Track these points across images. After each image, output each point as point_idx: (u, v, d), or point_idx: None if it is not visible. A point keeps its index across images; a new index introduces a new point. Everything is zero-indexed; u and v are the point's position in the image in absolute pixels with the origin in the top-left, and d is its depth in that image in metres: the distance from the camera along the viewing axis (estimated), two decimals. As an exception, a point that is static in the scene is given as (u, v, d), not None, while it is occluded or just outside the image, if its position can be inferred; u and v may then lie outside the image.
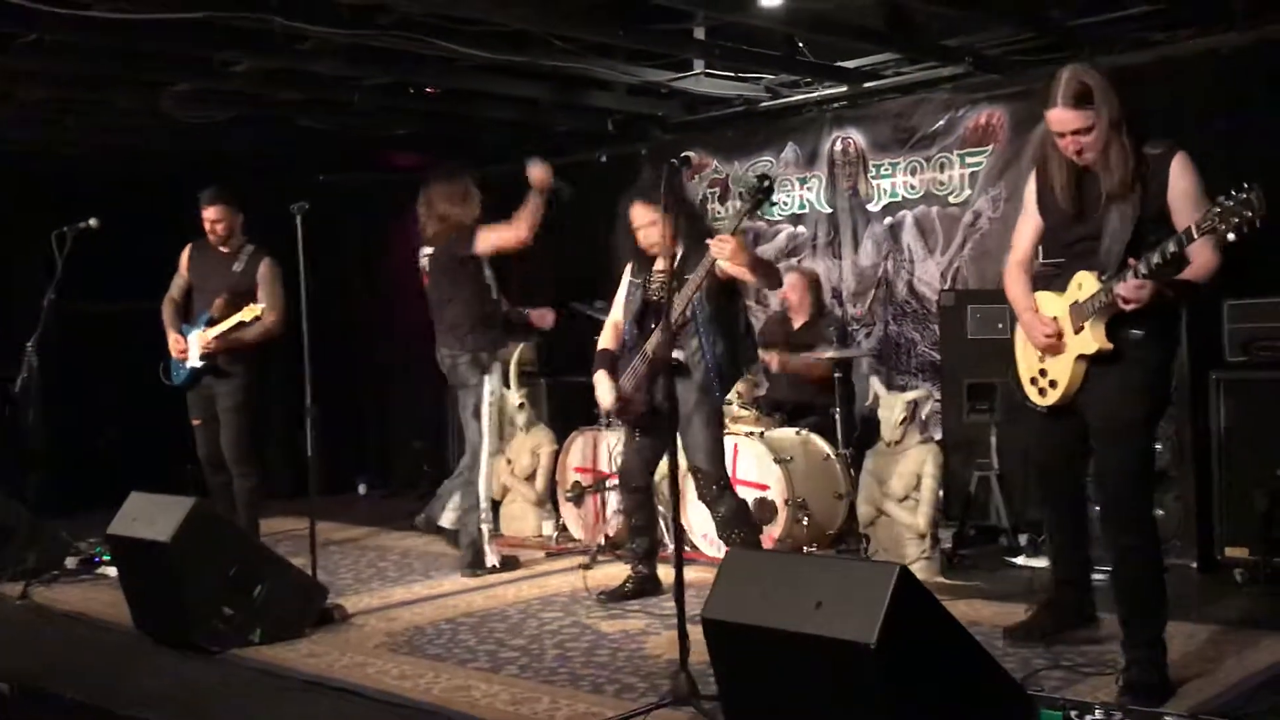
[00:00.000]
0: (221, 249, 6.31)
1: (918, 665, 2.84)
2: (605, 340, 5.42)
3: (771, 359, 6.84)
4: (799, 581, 2.97)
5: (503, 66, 6.67)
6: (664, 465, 5.66)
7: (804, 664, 2.90)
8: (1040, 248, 4.21)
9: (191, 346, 6.19)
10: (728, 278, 5.02)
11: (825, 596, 2.87)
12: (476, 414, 6.02)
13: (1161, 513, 5.46)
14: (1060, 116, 3.74)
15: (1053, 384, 4.00)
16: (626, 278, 5.37)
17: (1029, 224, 4.15)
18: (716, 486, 5.14)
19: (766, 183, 4.70)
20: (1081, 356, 3.86)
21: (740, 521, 5.18)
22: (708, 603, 3.17)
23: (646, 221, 5.12)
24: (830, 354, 6.44)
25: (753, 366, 6.37)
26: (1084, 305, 3.81)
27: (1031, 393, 4.11)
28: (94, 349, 7.84)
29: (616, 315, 5.41)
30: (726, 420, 6.41)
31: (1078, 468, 4.20)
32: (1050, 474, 4.27)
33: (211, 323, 6.13)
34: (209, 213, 6.25)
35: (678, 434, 4.99)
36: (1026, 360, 4.13)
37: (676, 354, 4.98)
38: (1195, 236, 3.51)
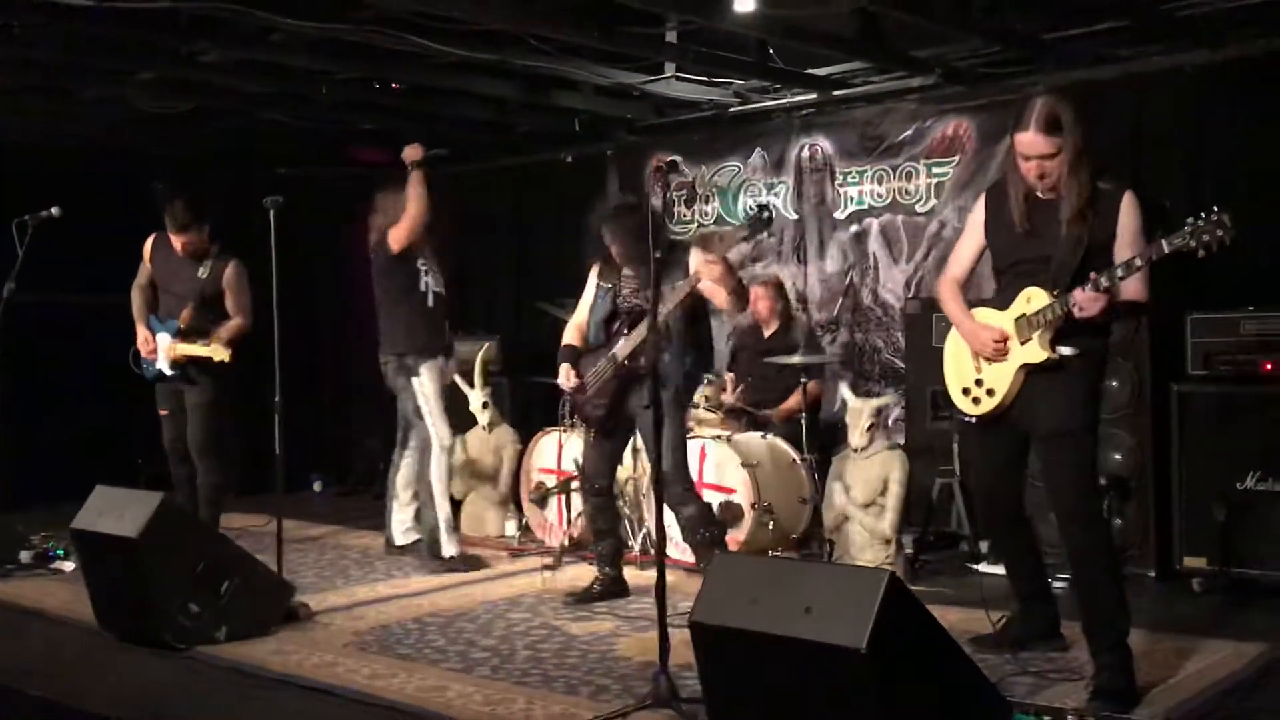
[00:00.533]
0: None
1: (906, 670, 2.87)
2: (569, 338, 5.43)
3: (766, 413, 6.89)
4: (788, 586, 2.99)
5: (473, 64, 6.65)
6: (623, 469, 5.74)
7: (793, 668, 2.91)
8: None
9: (160, 351, 6.14)
10: (700, 295, 5.08)
11: (814, 601, 2.90)
12: (418, 414, 6.07)
13: (1120, 522, 5.57)
14: (1031, 140, 3.88)
15: (989, 392, 4.10)
16: (594, 280, 5.38)
17: (971, 244, 4.31)
18: (682, 489, 5.18)
19: (766, 213, 4.84)
20: (1024, 366, 4.00)
21: (705, 522, 5.23)
22: (695, 606, 3.17)
23: (611, 245, 5.24)
24: (796, 359, 6.48)
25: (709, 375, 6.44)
26: (1033, 318, 3.95)
27: (964, 403, 4.21)
28: (52, 341, 7.70)
29: (581, 316, 5.43)
30: (693, 424, 6.47)
31: (1015, 481, 4.30)
32: (989, 491, 4.37)
33: (179, 334, 6.09)
34: (179, 239, 6.20)
35: (650, 439, 5.00)
36: (958, 371, 4.24)
37: (645, 360, 4.99)
38: (1165, 251, 3.65)
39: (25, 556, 6.25)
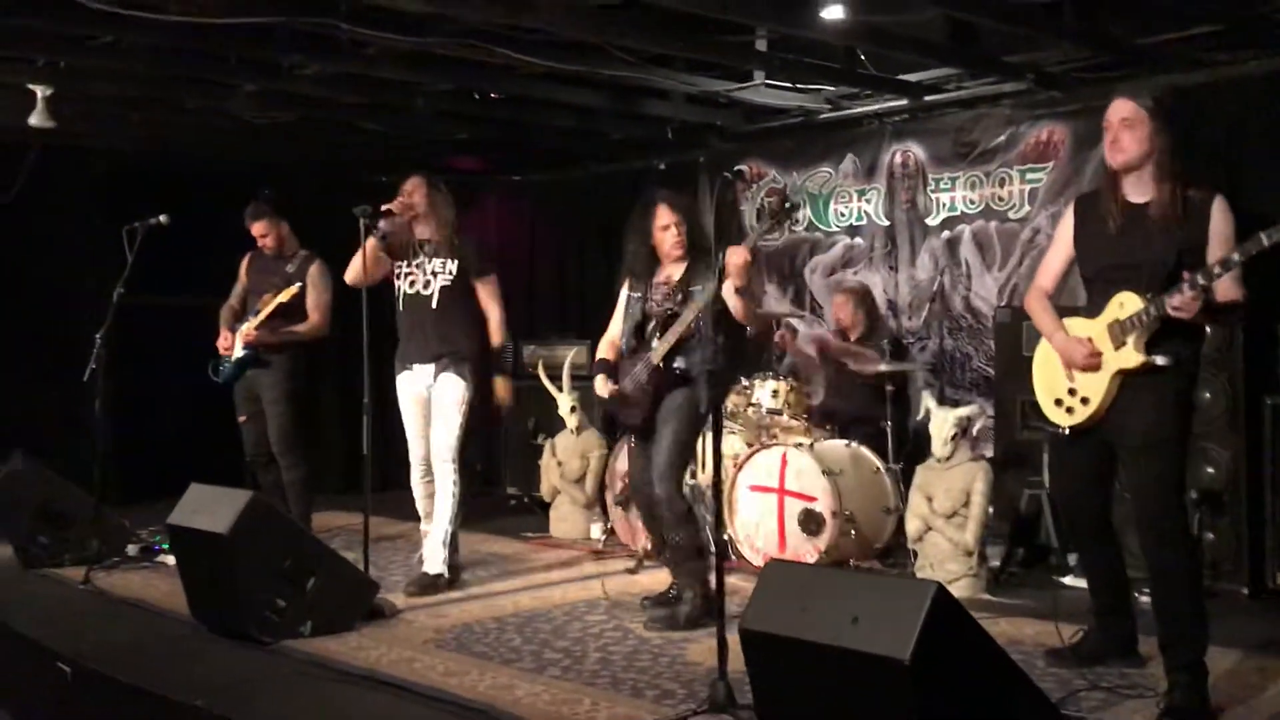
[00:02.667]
0: (277, 256, 6.56)
1: (952, 682, 2.87)
2: (602, 353, 5.42)
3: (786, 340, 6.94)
4: (837, 595, 3.01)
5: (562, 74, 6.75)
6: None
7: (839, 678, 2.93)
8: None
9: (236, 340, 6.41)
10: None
11: (862, 611, 2.90)
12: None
13: (1212, 537, 5.43)
14: (1117, 105, 3.99)
15: (1084, 401, 4.04)
16: (625, 292, 5.37)
17: (1060, 253, 4.28)
18: (670, 486, 5.05)
19: (789, 203, 4.85)
20: (1119, 372, 3.94)
21: (682, 523, 5.08)
22: (745, 614, 3.21)
23: (667, 223, 5.16)
24: (883, 367, 6.45)
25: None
26: (1126, 322, 3.91)
27: (1056, 414, 4.15)
28: (159, 342, 8.02)
29: (614, 331, 5.40)
30: (776, 431, 6.48)
31: (1103, 493, 4.24)
32: (1076, 501, 4.31)
33: (256, 315, 6.35)
34: (254, 229, 6.53)
35: (671, 434, 5.02)
36: (1048, 381, 4.19)
37: (680, 363, 5.04)
38: (1265, 244, 3.61)
39: (132, 550, 6.52)
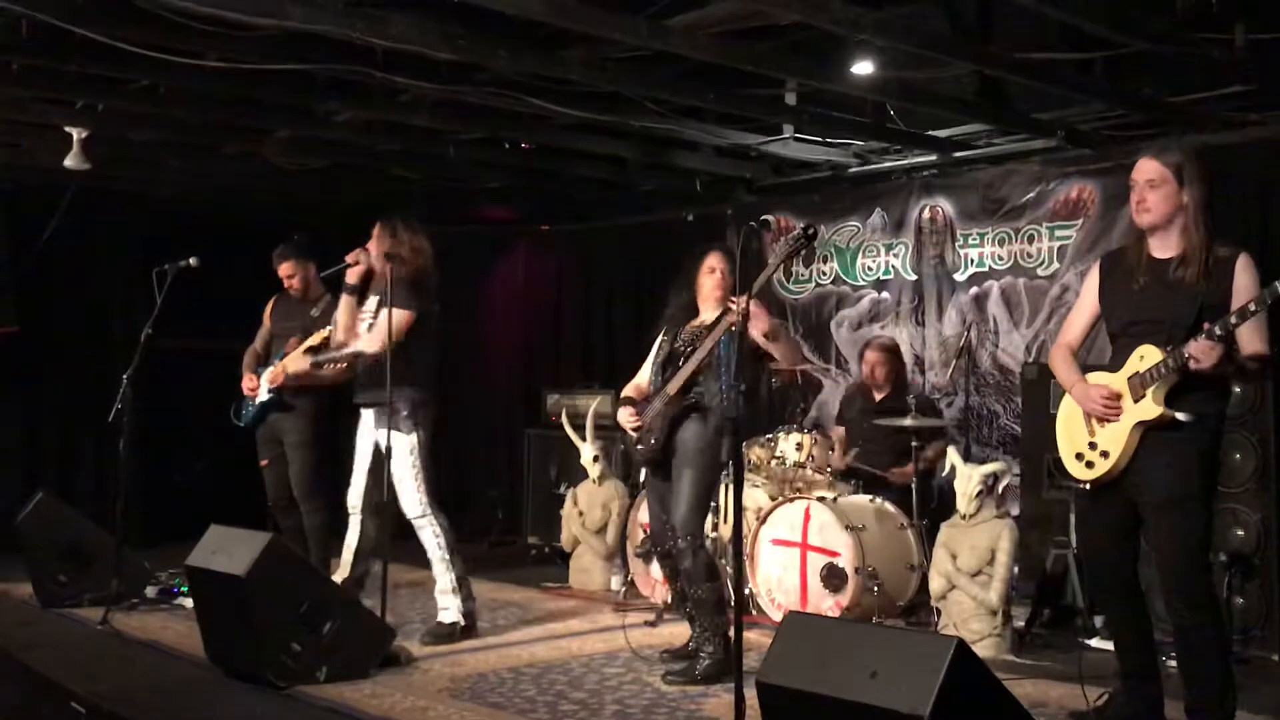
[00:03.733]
0: (301, 300, 6.59)
1: (971, 741, 2.81)
2: (626, 393, 5.43)
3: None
4: (856, 649, 2.96)
5: (593, 125, 6.80)
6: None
7: (857, 734, 2.88)
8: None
9: (262, 383, 6.41)
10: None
11: (881, 666, 2.86)
12: None
13: (1242, 601, 5.33)
14: (1141, 164, 3.99)
15: (1104, 454, 4.01)
16: (659, 339, 5.39)
17: (1085, 311, 4.28)
18: (691, 537, 5.02)
19: (810, 230, 4.68)
20: (1139, 424, 3.91)
21: (706, 578, 5.05)
22: (763, 666, 3.16)
23: (714, 266, 5.19)
24: (908, 422, 6.40)
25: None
26: (1146, 374, 3.89)
27: (1076, 468, 4.12)
28: (186, 384, 8.06)
29: (642, 376, 5.41)
30: (800, 485, 6.43)
31: (1128, 551, 4.16)
32: (1099, 557, 4.25)
33: (283, 359, 6.35)
34: (281, 270, 6.57)
35: (689, 483, 4.99)
36: (1070, 435, 4.15)
37: (694, 393, 5.04)
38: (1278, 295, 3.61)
39: (150, 591, 6.52)
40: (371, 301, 5.80)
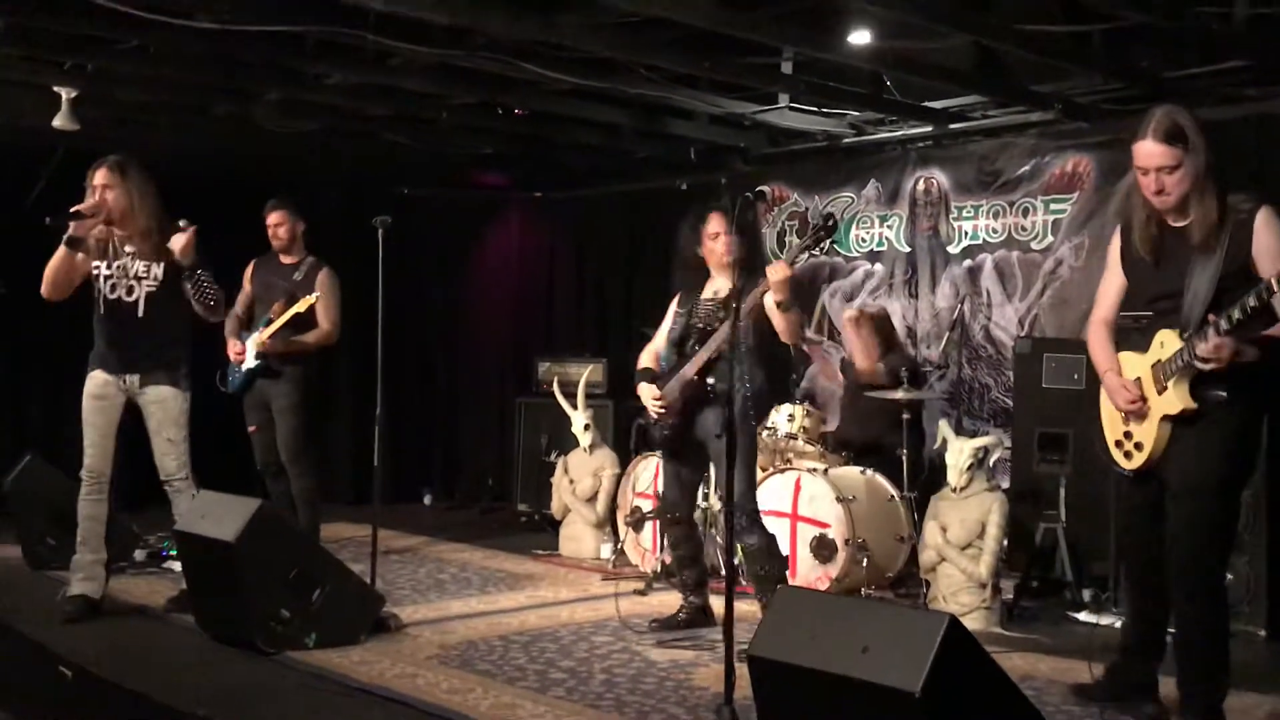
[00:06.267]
0: (283, 258, 6.51)
1: (963, 717, 2.81)
2: (644, 362, 5.39)
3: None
4: (847, 624, 2.95)
5: (587, 91, 6.74)
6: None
7: (847, 708, 2.87)
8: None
9: (248, 349, 6.35)
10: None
11: (873, 641, 2.85)
12: None
13: (1231, 577, 5.33)
14: (1148, 150, 3.72)
15: (1138, 446, 3.93)
16: (673, 308, 5.37)
17: (1113, 281, 4.10)
18: (746, 517, 5.01)
19: (831, 221, 4.76)
20: (1166, 417, 3.80)
21: (768, 556, 5.07)
22: (754, 640, 3.16)
23: (717, 230, 5.12)
24: (900, 395, 6.39)
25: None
26: (1166, 364, 3.76)
27: (1117, 456, 4.04)
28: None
29: (658, 343, 5.41)
30: (790, 456, 6.43)
31: (1156, 531, 4.06)
32: (1128, 537, 4.21)
33: (269, 324, 6.29)
34: (271, 218, 6.49)
35: (713, 463, 4.98)
36: (1111, 423, 4.06)
37: (713, 379, 5.01)
38: (1276, 290, 3.42)
39: (139, 555, 6.51)
40: (139, 265, 5.29)
